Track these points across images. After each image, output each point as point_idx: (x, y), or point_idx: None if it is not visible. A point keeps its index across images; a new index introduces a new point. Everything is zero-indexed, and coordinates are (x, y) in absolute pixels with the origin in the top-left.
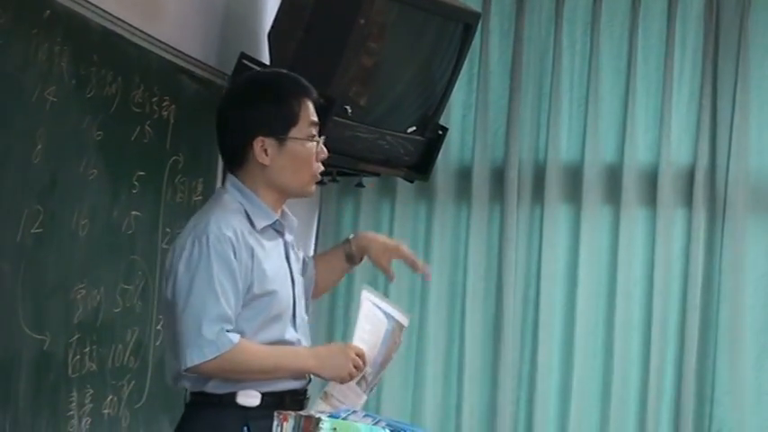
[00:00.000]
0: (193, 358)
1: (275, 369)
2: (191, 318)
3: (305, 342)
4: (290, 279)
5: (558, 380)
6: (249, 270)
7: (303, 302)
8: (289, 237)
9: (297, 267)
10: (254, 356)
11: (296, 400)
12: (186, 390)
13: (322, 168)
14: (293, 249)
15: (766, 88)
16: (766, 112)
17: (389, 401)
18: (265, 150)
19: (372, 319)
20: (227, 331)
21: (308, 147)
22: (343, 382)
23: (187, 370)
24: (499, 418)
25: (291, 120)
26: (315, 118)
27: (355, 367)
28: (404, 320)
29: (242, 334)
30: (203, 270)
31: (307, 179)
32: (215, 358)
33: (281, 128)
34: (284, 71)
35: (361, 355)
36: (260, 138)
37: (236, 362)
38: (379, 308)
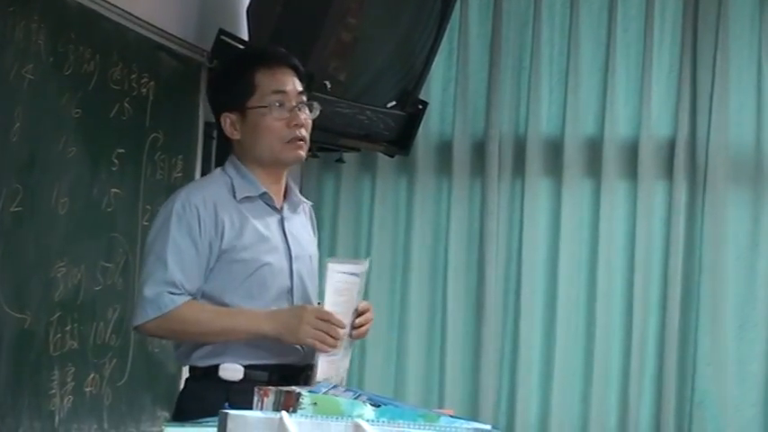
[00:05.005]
0: (137, 318)
1: (225, 331)
2: (142, 280)
3: None
4: (285, 253)
5: (541, 352)
6: (217, 238)
7: (308, 282)
8: (290, 214)
9: (302, 246)
10: (200, 317)
11: (284, 376)
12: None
13: (301, 134)
14: (304, 230)
15: (745, 59)
16: (746, 83)
17: (372, 374)
18: (234, 126)
19: (343, 288)
20: (172, 294)
21: (269, 114)
22: (315, 347)
23: (136, 329)
24: (482, 390)
25: (247, 90)
26: (281, 87)
27: (328, 334)
28: (365, 266)
29: (222, 301)
30: (161, 236)
31: (277, 147)
32: (156, 318)
33: (238, 100)
34: (258, 44)
35: (325, 318)
36: (224, 114)
37: (179, 321)
38: (347, 272)
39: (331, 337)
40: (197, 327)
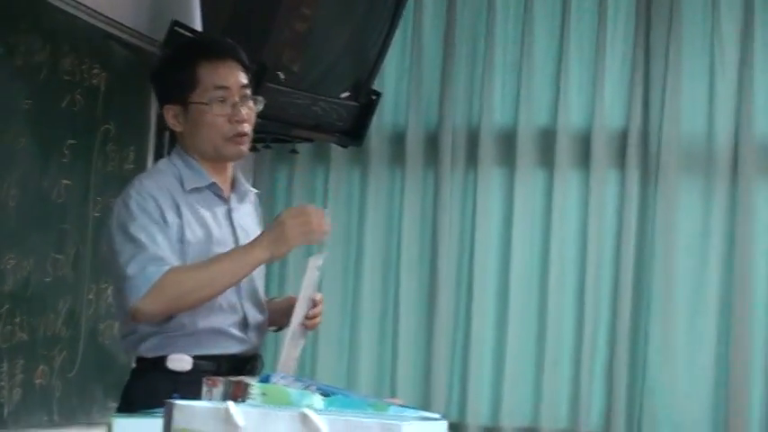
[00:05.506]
0: (131, 299)
1: (221, 276)
2: (123, 266)
3: (254, 312)
4: (233, 245)
5: (493, 342)
6: (180, 220)
7: (254, 273)
8: (237, 205)
9: (250, 237)
10: (191, 275)
11: (235, 366)
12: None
13: (242, 130)
14: (250, 219)
15: (698, 50)
16: (698, 74)
17: (325, 366)
18: (177, 118)
19: (312, 282)
20: (155, 266)
21: (210, 109)
22: (311, 243)
23: (134, 316)
24: (434, 382)
25: (189, 85)
26: (224, 82)
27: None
28: (321, 260)
29: None
30: (127, 224)
31: (218, 142)
32: (150, 292)
33: (180, 93)
34: (205, 35)
35: (302, 213)
36: (167, 106)
37: (173, 285)
38: (318, 267)
39: (316, 225)
40: (192, 283)
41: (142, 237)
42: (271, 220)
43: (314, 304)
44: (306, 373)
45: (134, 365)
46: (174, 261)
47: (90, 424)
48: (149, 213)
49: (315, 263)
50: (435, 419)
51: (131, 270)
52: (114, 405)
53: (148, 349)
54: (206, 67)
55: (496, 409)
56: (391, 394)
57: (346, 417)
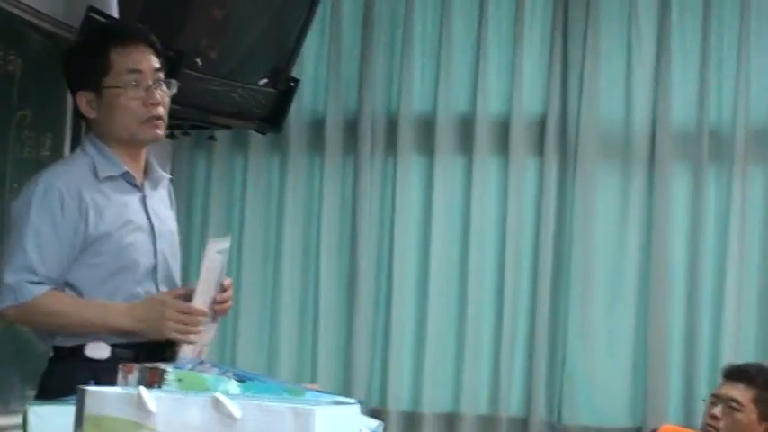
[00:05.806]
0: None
1: (84, 325)
2: (3, 265)
3: None
4: (148, 232)
5: (413, 329)
6: (82, 220)
7: (171, 260)
8: (151, 192)
9: (165, 223)
10: (59, 309)
11: (153, 353)
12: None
13: (157, 113)
14: (164, 205)
15: (616, 36)
16: (616, 59)
17: (245, 354)
18: (90, 104)
19: (215, 266)
20: (33, 282)
21: (124, 93)
22: (179, 340)
23: None
24: (355, 369)
25: (102, 69)
26: (137, 66)
27: (186, 324)
28: (228, 243)
29: (79, 283)
30: (21, 221)
31: (134, 126)
32: (13, 306)
33: (93, 79)
34: (116, 21)
35: (186, 312)
36: (80, 92)
37: (37, 312)
38: (221, 250)
39: (193, 326)
40: (56, 319)
41: (28, 240)
42: (188, 207)
43: (223, 289)
44: (226, 361)
45: (51, 354)
46: (53, 272)
47: (8, 412)
48: (50, 212)
49: (214, 246)
50: (349, 404)
51: (9, 278)
52: (32, 393)
53: (66, 338)
54: (118, 52)
55: (417, 395)
56: (312, 381)
57: (259, 401)
